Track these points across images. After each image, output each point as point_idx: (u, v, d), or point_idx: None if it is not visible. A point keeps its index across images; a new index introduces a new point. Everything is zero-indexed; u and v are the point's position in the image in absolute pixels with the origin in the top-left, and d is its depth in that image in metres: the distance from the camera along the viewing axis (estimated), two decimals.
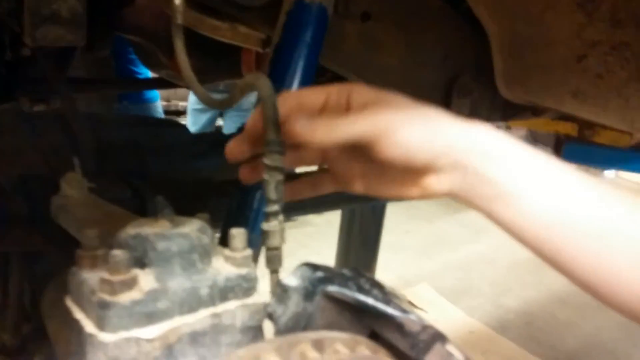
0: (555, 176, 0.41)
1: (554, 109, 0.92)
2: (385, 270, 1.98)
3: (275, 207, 0.42)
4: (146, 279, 0.36)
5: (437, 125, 0.43)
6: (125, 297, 0.34)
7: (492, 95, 0.97)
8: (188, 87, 0.64)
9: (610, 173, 5.82)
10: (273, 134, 0.40)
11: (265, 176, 0.41)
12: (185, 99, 3.63)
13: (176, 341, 0.37)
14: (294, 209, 1.02)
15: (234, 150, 0.46)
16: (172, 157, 0.83)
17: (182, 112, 3.70)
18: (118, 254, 0.34)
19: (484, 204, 0.43)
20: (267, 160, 0.41)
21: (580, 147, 1.17)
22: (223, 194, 0.77)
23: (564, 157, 1.28)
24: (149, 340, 0.35)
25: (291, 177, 0.47)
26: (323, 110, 0.45)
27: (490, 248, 3.22)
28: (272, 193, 0.42)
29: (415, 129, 0.42)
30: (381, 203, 1.98)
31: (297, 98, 0.45)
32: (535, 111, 1.06)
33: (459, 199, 0.45)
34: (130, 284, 0.35)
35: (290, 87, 0.66)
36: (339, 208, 1.65)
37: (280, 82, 0.65)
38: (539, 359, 2.36)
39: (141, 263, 0.37)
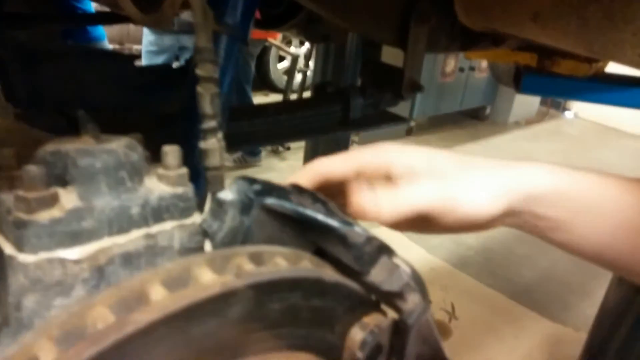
0: (598, 194, 0.43)
1: (514, 35, 0.90)
2: None
3: (212, 123, 0.39)
4: (68, 197, 0.33)
5: (493, 184, 0.43)
6: (44, 216, 0.31)
7: (451, 23, 0.94)
8: (123, 11, 0.59)
9: (569, 114, 5.94)
10: (204, 41, 0.37)
11: (199, 89, 0.38)
12: (139, 41, 3.47)
13: (107, 262, 0.34)
14: (252, 139, 0.99)
15: None
16: (116, 89, 0.78)
17: (136, 56, 3.54)
18: (33, 169, 0.31)
19: (539, 234, 0.46)
20: (199, 71, 0.37)
21: (539, 78, 1.16)
22: (170, 126, 0.73)
23: (523, 89, 1.27)
24: (75, 262, 0.33)
25: None
26: (358, 180, 0.44)
27: None
28: (207, 107, 0.38)
29: (477, 197, 0.42)
30: (344, 144, 1.97)
31: (325, 168, 0.43)
32: (495, 40, 1.04)
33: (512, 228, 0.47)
34: (49, 201, 0.32)
35: (234, 7, 0.61)
36: (299, 139, 1.63)
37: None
38: (495, 290, 2.46)
39: (63, 181, 0.34)
